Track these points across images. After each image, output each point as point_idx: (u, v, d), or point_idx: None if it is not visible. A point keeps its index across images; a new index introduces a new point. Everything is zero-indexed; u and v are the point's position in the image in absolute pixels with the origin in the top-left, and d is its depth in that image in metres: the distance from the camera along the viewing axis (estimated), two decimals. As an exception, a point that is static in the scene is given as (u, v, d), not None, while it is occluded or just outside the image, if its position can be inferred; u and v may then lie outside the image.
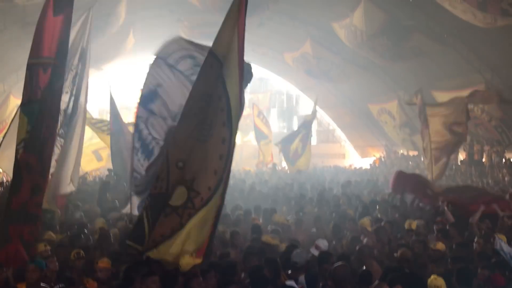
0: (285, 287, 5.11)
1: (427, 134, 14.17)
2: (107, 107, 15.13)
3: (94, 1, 10.45)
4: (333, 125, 34.43)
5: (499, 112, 18.31)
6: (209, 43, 5.27)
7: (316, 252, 6.14)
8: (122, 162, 11.65)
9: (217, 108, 5.03)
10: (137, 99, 6.83)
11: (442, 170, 14.05)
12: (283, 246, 6.46)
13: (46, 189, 6.03)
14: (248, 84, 6.22)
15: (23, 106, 5.97)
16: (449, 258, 6.20)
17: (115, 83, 26.27)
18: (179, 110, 6.22)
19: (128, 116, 19.91)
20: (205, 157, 5.03)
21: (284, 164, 28.11)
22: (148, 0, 20.42)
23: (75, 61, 8.48)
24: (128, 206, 7.31)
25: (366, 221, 7.85)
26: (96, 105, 29.82)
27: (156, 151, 6.62)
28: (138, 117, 6.78)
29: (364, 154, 30.44)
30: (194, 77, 6.25)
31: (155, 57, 6.79)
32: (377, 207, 10.05)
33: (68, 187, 8.87)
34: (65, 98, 8.17)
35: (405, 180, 10.61)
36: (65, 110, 8.34)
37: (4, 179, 13.98)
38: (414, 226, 7.73)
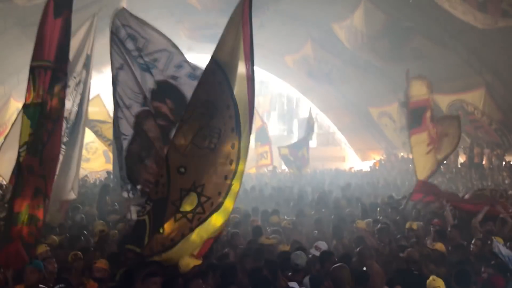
0: None
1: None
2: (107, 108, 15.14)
3: (99, 8, 10.43)
4: (333, 128, 34.43)
5: (499, 115, 18.30)
6: (210, 44, 5.30)
7: (317, 253, 6.15)
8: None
9: (226, 116, 5.10)
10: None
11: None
12: (282, 247, 6.44)
13: (50, 195, 5.98)
14: None
15: (26, 109, 5.98)
16: (447, 259, 6.19)
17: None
18: (139, 92, 6.26)
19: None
20: (215, 164, 5.12)
21: (284, 167, 28.14)
22: (148, 1, 20.43)
23: (78, 68, 8.46)
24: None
25: (361, 223, 7.89)
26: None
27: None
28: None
29: (364, 157, 30.41)
30: (140, 60, 6.26)
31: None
32: (378, 210, 10.04)
33: (70, 194, 8.87)
34: (67, 105, 8.17)
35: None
36: (67, 118, 8.31)
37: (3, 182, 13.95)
38: (415, 226, 7.74)
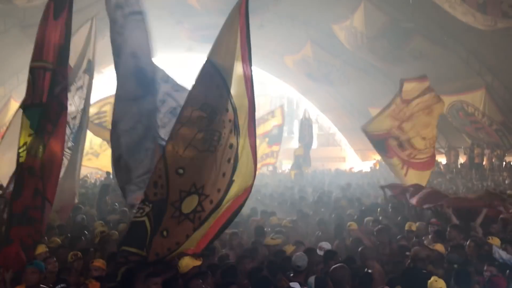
0: None
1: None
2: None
3: (97, 10, 10.37)
4: (333, 129, 34.43)
5: (499, 116, 18.31)
6: (210, 45, 5.28)
7: (321, 253, 6.16)
8: None
9: (225, 120, 5.16)
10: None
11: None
12: (288, 248, 6.42)
13: (50, 197, 5.96)
14: None
15: (26, 109, 5.98)
16: (447, 259, 6.20)
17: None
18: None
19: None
20: (214, 164, 5.16)
21: (284, 167, 28.13)
22: (148, 2, 20.39)
23: (80, 73, 8.42)
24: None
25: (353, 224, 7.90)
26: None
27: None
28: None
29: (364, 158, 30.40)
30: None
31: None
32: (378, 210, 10.03)
33: (73, 199, 8.87)
34: (69, 109, 8.17)
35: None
36: (69, 123, 8.24)
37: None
38: (414, 227, 7.74)
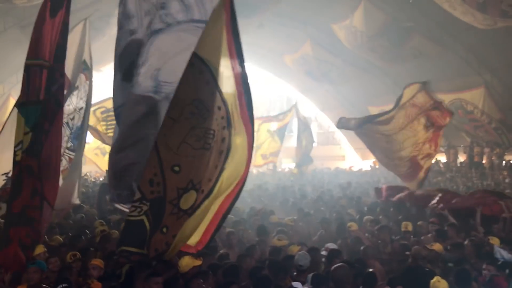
0: None
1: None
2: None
3: (93, 10, 10.29)
4: (333, 127, 34.38)
5: (498, 114, 18.32)
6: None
7: (325, 253, 6.17)
8: None
9: (218, 118, 5.12)
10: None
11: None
12: (293, 248, 6.40)
13: (48, 196, 5.94)
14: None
15: (21, 107, 5.93)
16: (445, 258, 6.20)
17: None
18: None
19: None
20: (210, 161, 5.14)
21: (284, 165, 28.14)
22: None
23: (75, 73, 8.37)
24: None
25: (354, 225, 7.88)
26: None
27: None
28: None
29: (364, 156, 30.39)
30: None
31: None
32: (378, 209, 10.05)
33: (75, 200, 8.87)
34: (67, 109, 8.15)
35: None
36: (68, 123, 8.24)
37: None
38: (410, 228, 7.71)
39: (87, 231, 7.79)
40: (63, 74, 6.12)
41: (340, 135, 33.75)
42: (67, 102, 7.98)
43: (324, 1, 19.20)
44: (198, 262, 5.23)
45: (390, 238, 7.35)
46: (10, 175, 7.74)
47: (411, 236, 7.52)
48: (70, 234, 7.65)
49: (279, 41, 24.47)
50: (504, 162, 18.89)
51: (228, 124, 5.14)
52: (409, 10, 17.54)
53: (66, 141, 8.00)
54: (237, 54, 5.06)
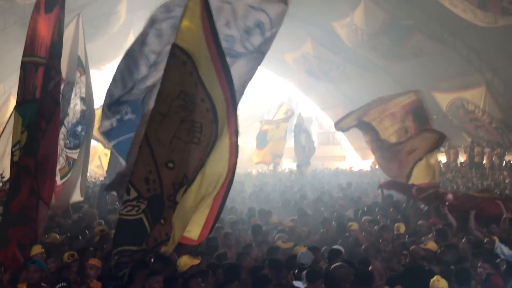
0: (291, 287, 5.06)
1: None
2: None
3: (82, 6, 10.14)
4: (333, 127, 34.35)
5: (499, 114, 18.29)
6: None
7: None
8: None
9: (203, 110, 5.01)
10: None
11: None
12: (299, 249, 6.37)
13: (44, 196, 5.90)
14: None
15: (18, 106, 5.89)
16: (439, 258, 6.18)
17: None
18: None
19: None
20: (201, 156, 5.05)
21: (284, 165, 28.12)
22: (148, 0, 20.40)
23: (70, 70, 8.30)
24: None
25: (354, 225, 7.85)
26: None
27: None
28: None
29: (365, 156, 30.39)
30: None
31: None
32: (376, 209, 10.02)
33: (77, 197, 8.85)
34: (65, 107, 8.11)
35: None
36: (63, 121, 8.06)
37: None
38: (402, 230, 7.63)
39: (86, 231, 7.76)
40: (59, 71, 6.07)
41: (340, 135, 33.74)
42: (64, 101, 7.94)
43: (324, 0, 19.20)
44: (196, 261, 5.22)
45: (392, 238, 7.33)
46: (3, 175, 7.74)
47: (406, 236, 7.48)
48: (68, 234, 7.62)
49: (280, 39, 24.24)
50: (504, 162, 18.86)
51: (215, 117, 4.99)
52: (410, 8, 17.52)
53: (62, 139, 7.96)
54: (216, 46, 4.92)
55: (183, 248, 5.68)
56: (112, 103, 6.64)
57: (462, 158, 20.90)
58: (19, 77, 5.86)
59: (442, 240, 6.94)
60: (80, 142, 8.55)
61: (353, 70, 22.91)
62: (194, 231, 5.18)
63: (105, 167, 17.28)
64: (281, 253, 6.34)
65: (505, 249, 6.03)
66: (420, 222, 8.26)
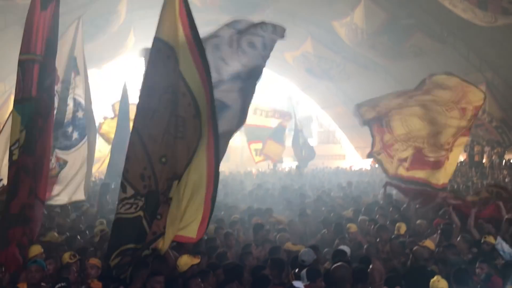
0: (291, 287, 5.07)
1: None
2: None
3: (82, 6, 10.19)
4: (333, 126, 34.37)
5: (499, 113, 18.29)
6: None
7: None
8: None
9: (185, 104, 5.00)
10: None
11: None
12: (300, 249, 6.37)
13: (41, 195, 5.88)
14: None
15: (16, 105, 5.87)
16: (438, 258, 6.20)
17: (114, 83, 26.24)
18: None
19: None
20: (187, 152, 5.04)
21: (284, 164, 28.13)
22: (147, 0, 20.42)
23: (67, 70, 8.29)
24: None
25: (353, 226, 7.83)
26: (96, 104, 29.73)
27: None
28: None
29: (365, 155, 30.37)
30: None
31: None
32: (376, 208, 10.01)
33: (80, 196, 8.84)
34: (62, 107, 8.11)
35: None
36: (58, 119, 8.00)
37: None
38: (402, 231, 7.61)
39: (87, 231, 7.77)
40: (54, 69, 6.06)
41: (340, 134, 33.75)
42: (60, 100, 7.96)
43: (324, -1, 19.20)
44: (196, 261, 5.23)
45: (390, 237, 7.33)
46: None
47: (407, 236, 7.48)
48: (68, 234, 7.62)
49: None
50: (504, 161, 18.85)
51: (197, 112, 4.99)
52: (410, 7, 17.52)
53: (54, 139, 7.93)
54: (196, 43, 4.95)
55: (183, 248, 5.71)
56: None
57: (462, 157, 20.88)
58: (17, 75, 5.85)
59: (445, 240, 6.94)
60: (72, 144, 8.50)
61: (353, 69, 22.90)
62: (192, 228, 5.20)
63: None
64: (283, 252, 6.37)
65: (506, 246, 6.04)
66: (418, 221, 8.26)
